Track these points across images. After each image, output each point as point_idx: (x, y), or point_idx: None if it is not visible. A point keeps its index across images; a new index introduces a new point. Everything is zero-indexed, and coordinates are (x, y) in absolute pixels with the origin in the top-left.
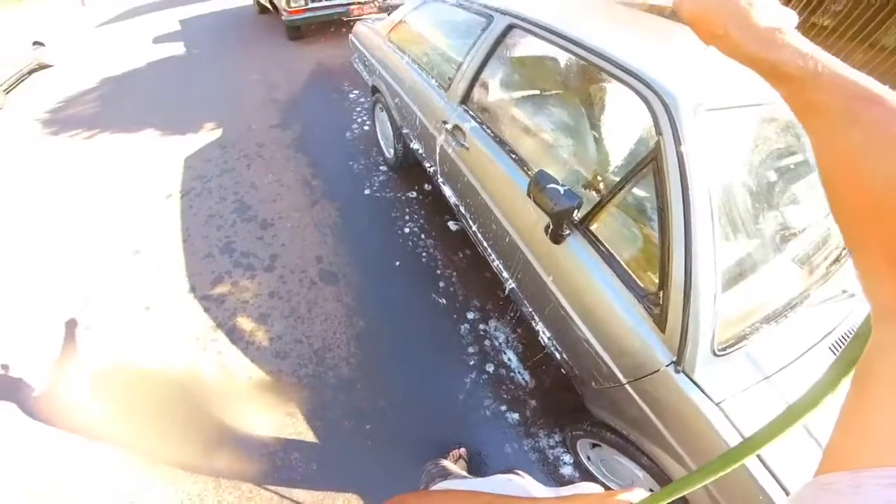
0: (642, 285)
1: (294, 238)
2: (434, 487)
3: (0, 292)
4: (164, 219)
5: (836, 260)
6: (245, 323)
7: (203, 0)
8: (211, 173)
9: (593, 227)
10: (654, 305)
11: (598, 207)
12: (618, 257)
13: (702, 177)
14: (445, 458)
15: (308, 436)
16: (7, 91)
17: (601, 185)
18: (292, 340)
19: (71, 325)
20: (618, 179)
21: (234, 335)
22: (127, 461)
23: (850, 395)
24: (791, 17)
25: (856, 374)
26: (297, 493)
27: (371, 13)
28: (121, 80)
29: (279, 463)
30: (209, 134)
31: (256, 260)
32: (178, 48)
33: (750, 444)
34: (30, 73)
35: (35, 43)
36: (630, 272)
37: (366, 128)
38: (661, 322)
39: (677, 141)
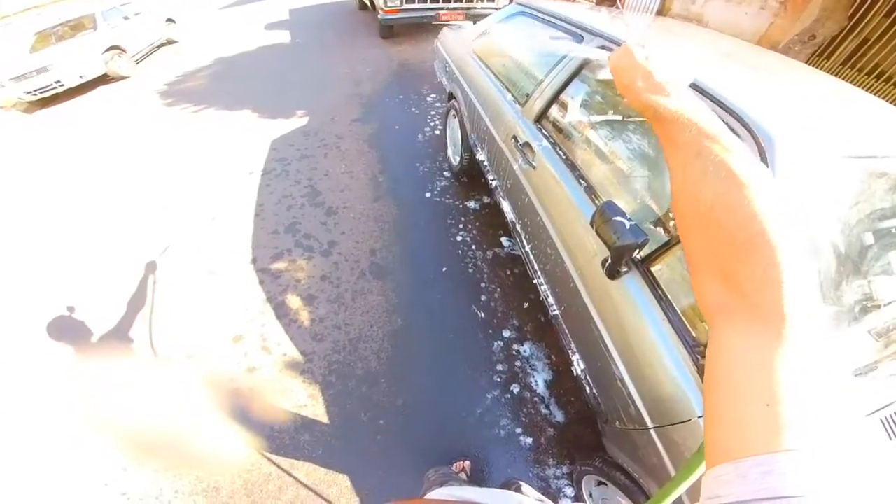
0: (694, 335)
1: (354, 228)
2: (430, 495)
3: (88, 236)
4: (242, 193)
5: None
6: (293, 301)
7: None
8: (291, 157)
9: (654, 269)
10: (702, 357)
11: (664, 249)
12: (674, 303)
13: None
14: (449, 467)
15: (323, 420)
16: (138, 62)
17: (674, 226)
18: (332, 326)
19: (150, 267)
20: None
21: (281, 311)
22: (129, 419)
23: (708, 390)
24: (687, 74)
25: (707, 369)
26: (296, 474)
27: (458, 20)
28: (233, 62)
29: (288, 441)
30: (297, 120)
31: (316, 243)
32: (284, 36)
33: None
34: (159, 46)
35: (168, 19)
36: (684, 320)
37: (437, 132)
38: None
39: None
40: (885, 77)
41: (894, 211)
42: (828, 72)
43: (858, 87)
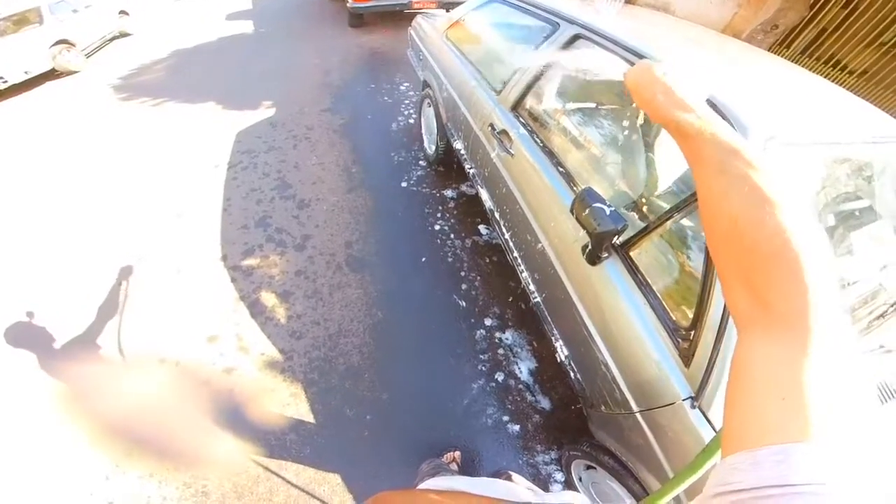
0: (674, 318)
1: (328, 221)
2: (421, 486)
3: (46, 239)
4: (208, 187)
5: (881, 315)
6: (268, 298)
7: None
8: (259, 149)
9: (633, 253)
10: (684, 340)
11: (642, 234)
12: (654, 287)
13: None
14: (440, 458)
15: (308, 418)
16: (88, 56)
17: (648, 210)
18: (310, 322)
19: (115, 268)
20: (667, 207)
21: (255, 309)
22: (111, 428)
23: (730, 389)
24: (704, 89)
25: (731, 371)
26: (285, 474)
27: (431, 8)
28: (192, 53)
29: (273, 442)
30: (263, 111)
31: (289, 237)
32: (247, 26)
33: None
34: (111, 40)
35: (121, 12)
36: (664, 304)
37: (411, 121)
38: (686, 357)
39: None
40: (840, 66)
41: (856, 194)
42: (788, 60)
43: (816, 75)
